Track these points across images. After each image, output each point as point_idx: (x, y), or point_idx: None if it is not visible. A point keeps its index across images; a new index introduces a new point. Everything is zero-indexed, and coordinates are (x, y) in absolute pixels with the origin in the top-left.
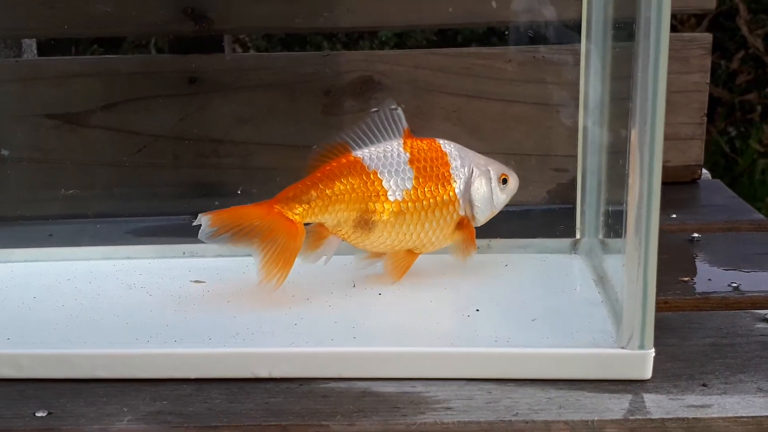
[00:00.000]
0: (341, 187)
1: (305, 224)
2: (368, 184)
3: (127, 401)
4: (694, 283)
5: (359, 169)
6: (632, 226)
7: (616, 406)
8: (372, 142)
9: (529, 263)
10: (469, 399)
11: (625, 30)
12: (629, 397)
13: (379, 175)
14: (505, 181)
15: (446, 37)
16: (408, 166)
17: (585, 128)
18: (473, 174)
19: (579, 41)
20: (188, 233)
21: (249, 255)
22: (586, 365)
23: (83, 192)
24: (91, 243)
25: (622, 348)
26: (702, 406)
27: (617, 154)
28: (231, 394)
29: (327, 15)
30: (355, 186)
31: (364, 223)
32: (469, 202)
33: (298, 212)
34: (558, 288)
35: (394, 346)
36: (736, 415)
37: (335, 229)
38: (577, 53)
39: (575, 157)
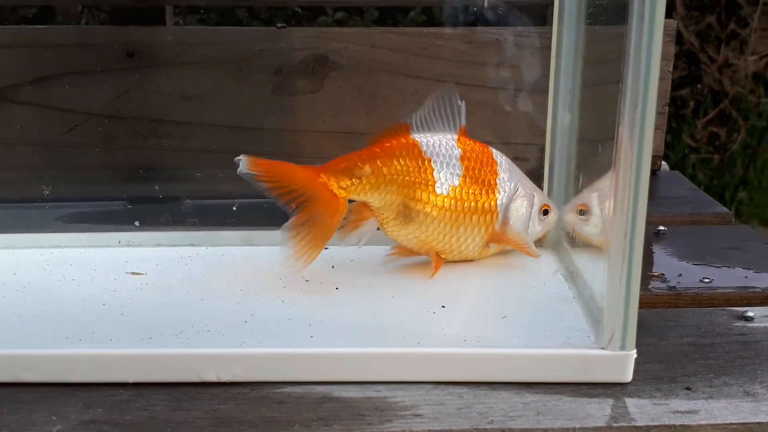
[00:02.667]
0: (397, 168)
1: (349, 201)
2: (421, 170)
3: (55, 408)
4: (665, 278)
5: (416, 153)
6: (618, 219)
7: (597, 412)
8: (428, 129)
9: (493, 257)
10: (440, 404)
11: (602, 12)
12: (610, 401)
13: (432, 164)
14: (545, 213)
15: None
16: (459, 162)
17: (554, 115)
18: (517, 192)
19: (545, 24)
20: (124, 220)
21: (191, 245)
22: (563, 367)
23: (6, 173)
24: (15, 230)
25: (602, 349)
26: (688, 412)
27: (589, 142)
28: (174, 401)
29: None
30: (410, 169)
31: (408, 210)
32: (506, 219)
33: (344, 186)
34: (525, 283)
35: (355, 346)
36: (725, 421)
37: (379, 211)
38: (541, 36)
39: (536, 145)
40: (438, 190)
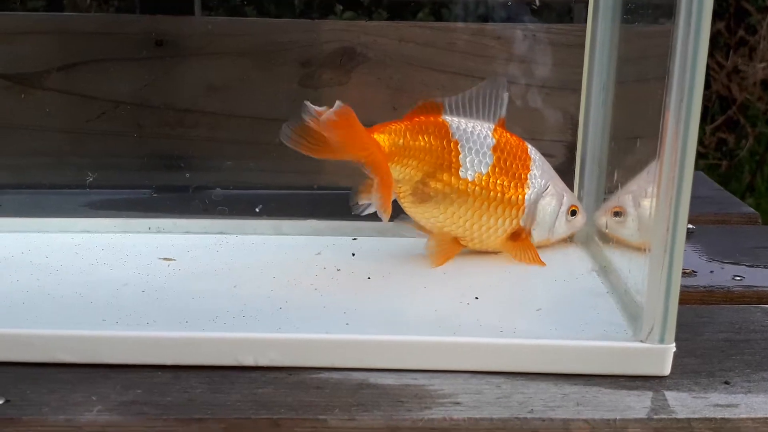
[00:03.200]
0: (419, 144)
1: None
2: (446, 151)
3: (95, 389)
4: (696, 275)
5: (444, 132)
6: (661, 212)
7: (637, 404)
8: (465, 114)
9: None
10: (478, 393)
11: (641, 9)
12: (650, 394)
13: (459, 147)
14: (573, 213)
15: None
16: (490, 152)
17: (587, 112)
18: (547, 190)
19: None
20: (152, 207)
21: (221, 233)
22: (601, 359)
23: (33, 159)
24: (45, 215)
25: (641, 342)
26: (728, 406)
27: (624, 139)
28: (213, 384)
29: None
30: (432, 146)
31: (426, 188)
32: (532, 216)
33: (388, 151)
34: (558, 277)
35: (391, 334)
36: (766, 415)
37: (396, 183)
38: (571, 33)
39: (564, 142)
40: (462, 174)
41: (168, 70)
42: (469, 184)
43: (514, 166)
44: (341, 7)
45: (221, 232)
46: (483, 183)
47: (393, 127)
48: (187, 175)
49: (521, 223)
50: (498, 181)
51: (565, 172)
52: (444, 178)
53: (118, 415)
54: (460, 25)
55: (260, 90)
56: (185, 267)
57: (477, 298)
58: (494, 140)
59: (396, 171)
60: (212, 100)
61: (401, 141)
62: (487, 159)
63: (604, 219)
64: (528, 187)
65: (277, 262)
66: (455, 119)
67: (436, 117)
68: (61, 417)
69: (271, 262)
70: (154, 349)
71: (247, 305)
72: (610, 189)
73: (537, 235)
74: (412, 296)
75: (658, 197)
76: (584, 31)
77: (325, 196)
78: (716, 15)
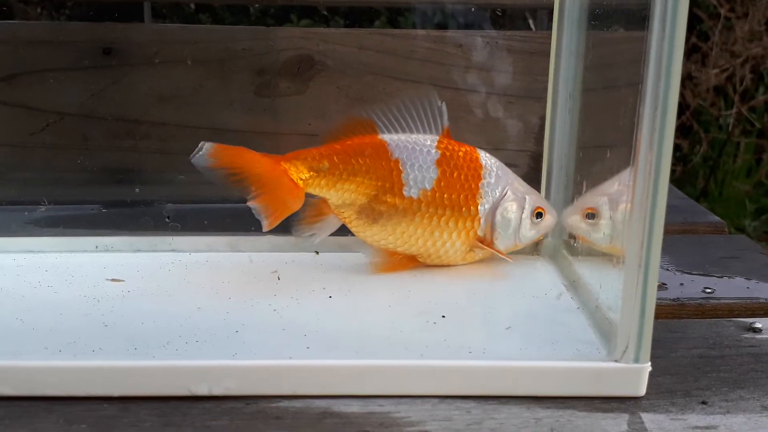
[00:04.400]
0: (356, 167)
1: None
2: (386, 171)
3: (35, 424)
4: (666, 287)
5: (382, 153)
6: (635, 227)
7: (613, 428)
8: (404, 130)
9: (490, 265)
10: (447, 420)
11: (609, 16)
12: (626, 416)
13: (400, 166)
14: (539, 216)
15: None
16: (434, 166)
17: (552, 120)
18: (505, 197)
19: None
20: (100, 224)
21: (173, 250)
22: (575, 380)
23: None
24: None
25: (616, 361)
26: (707, 428)
27: (593, 147)
28: (164, 416)
29: None
30: (371, 169)
31: (370, 211)
32: (491, 225)
33: (303, 177)
34: (526, 293)
35: (355, 358)
36: None
37: (338, 209)
38: (535, 40)
39: (527, 152)
40: (406, 193)
41: (116, 79)
42: (415, 202)
43: (462, 177)
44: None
45: (173, 250)
46: (429, 199)
47: (313, 151)
48: (137, 190)
49: (480, 234)
50: (446, 195)
51: (531, 182)
52: (388, 199)
53: None
54: (420, 32)
55: (214, 99)
56: (135, 288)
57: (444, 316)
58: (438, 153)
59: (335, 196)
60: (163, 111)
61: (326, 164)
62: (431, 174)
63: (575, 219)
64: (481, 197)
65: (233, 282)
66: (395, 137)
67: (372, 137)
68: None
69: (226, 282)
70: (100, 379)
71: (200, 329)
72: (578, 197)
73: (502, 243)
74: (377, 316)
75: (632, 210)
76: (548, 38)
77: None
78: None
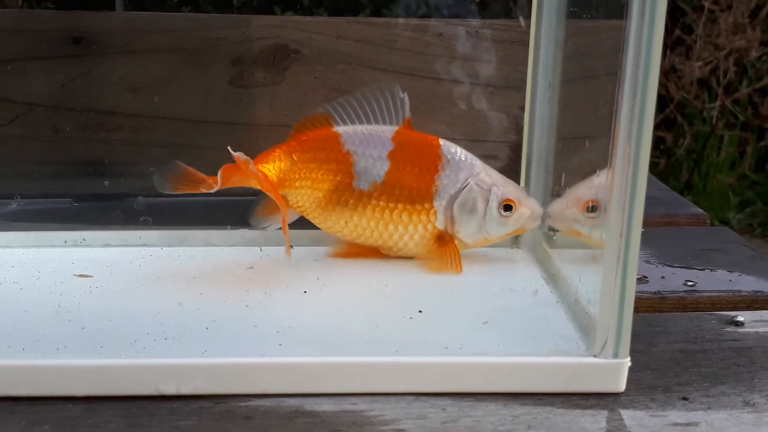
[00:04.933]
0: (312, 162)
1: None
2: (338, 164)
3: None
4: (647, 280)
5: (334, 145)
6: (614, 218)
7: (592, 425)
8: (363, 122)
9: (468, 258)
10: (422, 418)
11: (588, 4)
12: (605, 413)
13: (352, 158)
14: (508, 208)
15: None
16: (386, 158)
17: (532, 111)
18: (465, 189)
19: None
20: (70, 218)
21: (144, 245)
22: (553, 376)
23: None
24: None
25: (594, 357)
26: (688, 424)
27: (573, 138)
28: (130, 416)
29: None
30: (325, 163)
31: (325, 203)
32: (450, 218)
33: (275, 181)
34: (505, 286)
35: (328, 355)
36: None
37: (297, 203)
38: (514, 29)
39: (508, 143)
40: (356, 185)
41: (87, 69)
42: (365, 195)
43: (416, 169)
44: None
45: (144, 245)
46: (380, 192)
47: (276, 153)
48: (106, 183)
49: (440, 227)
50: (397, 189)
51: (511, 173)
52: (339, 191)
53: None
54: (399, 21)
55: (188, 90)
56: (103, 284)
57: (420, 311)
58: (393, 145)
59: (293, 195)
60: (136, 101)
61: (288, 164)
62: (383, 166)
63: (573, 212)
64: (436, 190)
65: (205, 277)
66: (349, 129)
67: (327, 130)
68: None
69: (198, 277)
70: (65, 378)
71: (169, 326)
72: (557, 191)
73: (467, 237)
74: (352, 311)
75: (611, 201)
76: (527, 27)
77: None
78: None
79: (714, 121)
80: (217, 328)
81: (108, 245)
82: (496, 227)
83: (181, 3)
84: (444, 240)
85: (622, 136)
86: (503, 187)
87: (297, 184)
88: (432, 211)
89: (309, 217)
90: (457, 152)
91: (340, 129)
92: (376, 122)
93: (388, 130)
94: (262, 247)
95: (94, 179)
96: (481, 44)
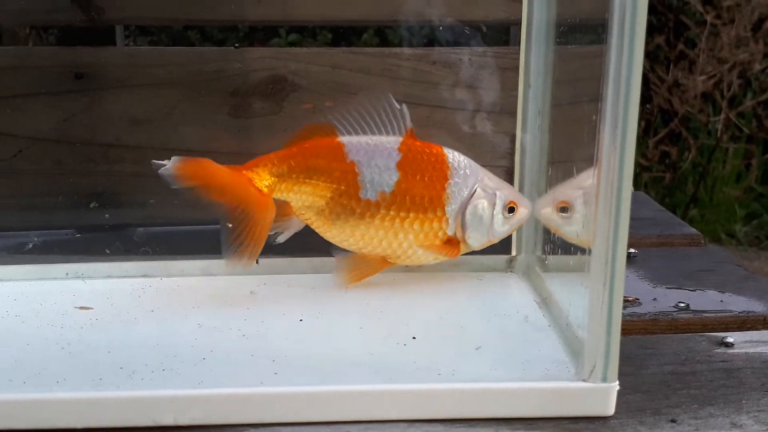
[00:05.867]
0: (313, 169)
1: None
2: (342, 173)
3: None
4: (640, 303)
5: (338, 155)
6: (599, 244)
7: None
8: (366, 133)
9: (463, 283)
10: None
11: (575, 31)
12: None
13: (356, 168)
14: (511, 210)
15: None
16: (395, 168)
17: (523, 136)
18: (474, 195)
19: (512, 43)
20: (72, 250)
21: (144, 276)
22: (543, 401)
23: None
24: None
25: (584, 381)
26: None
27: (562, 163)
28: None
29: (233, 6)
30: (326, 171)
31: (329, 213)
32: (462, 224)
33: (267, 184)
34: (498, 311)
35: (323, 383)
36: None
37: (299, 210)
38: (506, 56)
39: (503, 168)
40: (363, 195)
41: (89, 103)
42: (373, 205)
43: (427, 178)
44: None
45: (145, 275)
46: (389, 202)
47: (270, 157)
48: (107, 215)
49: (450, 233)
50: (408, 197)
51: None
52: (344, 201)
53: None
54: (395, 50)
55: (188, 122)
56: (103, 316)
57: (414, 337)
58: (400, 155)
59: (295, 199)
60: (136, 134)
61: (284, 169)
62: (392, 176)
63: (548, 211)
64: (447, 198)
65: (203, 307)
66: (354, 139)
67: (331, 139)
68: None
69: (197, 307)
70: (64, 411)
71: (167, 357)
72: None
73: (475, 241)
74: (347, 338)
75: (596, 230)
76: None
77: None
78: (656, 29)
79: (719, 134)
80: (214, 358)
81: (109, 276)
82: (500, 229)
83: (186, 29)
84: (451, 243)
85: (605, 164)
86: (505, 189)
87: (295, 188)
88: (444, 218)
89: (313, 226)
90: (460, 158)
91: (344, 139)
92: (378, 133)
93: (393, 141)
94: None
95: (96, 211)
96: (474, 71)
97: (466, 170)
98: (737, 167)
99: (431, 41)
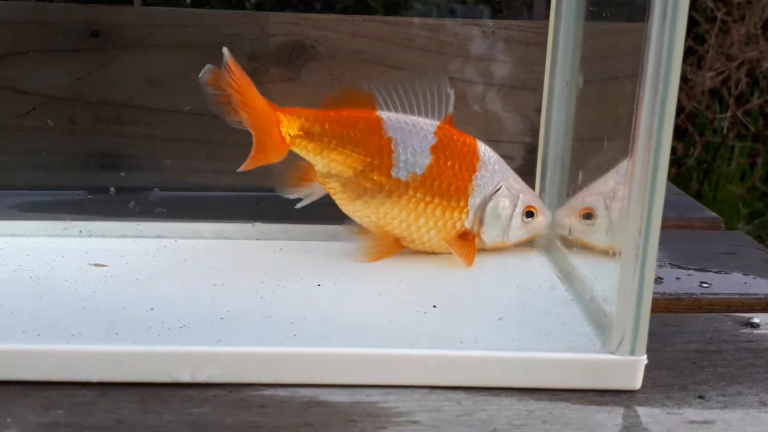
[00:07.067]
0: (347, 138)
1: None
2: (377, 148)
3: (11, 409)
4: (662, 281)
5: (375, 128)
6: (633, 216)
7: (608, 422)
8: (405, 111)
9: (482, 256)
10: (437, 411)
11: (608, 6)
12: (620, 410)
13: (392, 145)
14: (530, 215)
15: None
16: (428, 151)
17: (548, 111)
18: (498, 192)
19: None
20: (85, 210)
21: (159, 237)
22: (569, 372)
23: None
24: None
25: (611, 353)
26: (704, 422)
27: (590, 139)
28: (144, 403)
29: None
30: (361, 143)
31: (355, 186)
32: (480, 218)
33: (292, 134)
34: (519, 284)
35: (343, 346)
36: None
37: (324, 178)
38: (531, 30)
39: (521, 144)
40: (394, 174)
41: (104, 62)
42: (402, 185)
43: (456, 166)
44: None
45: (159, 236)
46: (419, 184)
47: (308, 112)
48: (122, 174)
49: (467, 226)
50: (436, 183)
51: (525, 174)
52: (374, 176)
53: None
54: (416, 20)
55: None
56: (118, 273)
57: (435, 306)
58: (436, 139)
59: (321, 164)
60: (152, 95)
61: (317, 129)
62: (425, 159)
63: (570, 220)
64: (473, 189)
65: (219, 269)
66: (393, 115)
67: (370, 112)
68: None
69: (212, 269)
70: (79, 364)
71: (184, 315)
72: (574, 190)
73: (489, 238)
74: (366, 305)
75: (630, 199)
76: (544, 28)
77: (272, 198)
78: None
79: (725, 131)
80: (231, 318)
81: (123, 236)
82: (516, 232)
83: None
84: (466, 237)
85: (642, 136)
86: (528, 194)
87: (324, 153)
88: (465, 209)
89: (335, 197)
90: (491, 154)
91: (383, 114)
92: (418, 113)
93: (429, 124)
94: (255, 223)
95: (109, 172)
96: (497, 44)
97: (495, 166)
98: (742, 165)
99: (453, 12)
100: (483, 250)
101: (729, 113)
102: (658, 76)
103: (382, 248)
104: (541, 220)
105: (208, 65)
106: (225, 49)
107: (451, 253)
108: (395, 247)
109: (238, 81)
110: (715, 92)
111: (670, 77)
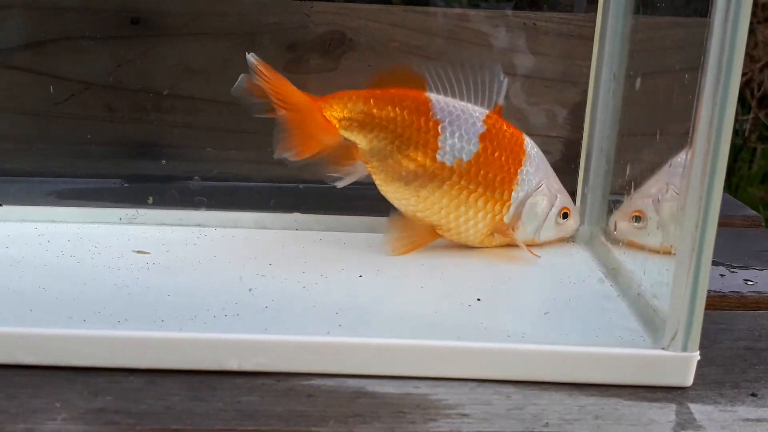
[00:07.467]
0: (392, 116)
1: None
2: (423, 130)
3: (59, 394)
4: None
5: (423, 109)
6: (690, 211)
7: (661, 418)
8: (455, 95)
9: (519, 250)
10: (487, 404)
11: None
12: (673, 406)
13: (439, 129)
14: (565, 216)
15: None
16: (476, 139)
17: (594, 105)
18: (539, 189)
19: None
20: (124, 197)
21: (199, 225)
22: (620, 368)
23: None
24: (7, 203)
25: (663, 349)
26: (759, 420)
27: (636, 134)
28: (192, 390)
29: None
30: (407, 123)
31: (397, 166)
32: (519, 214)
33: (338, 117)
34: (563, 279)
35: (389, 337)
36: None
37: (366, 156)
38: (573, 23)
39: (561, 138)
40: (439, 158)
41: (144, 50)
42: (447, 170)
43: (503, 158)
44: None
45: (199, 225)
46: (464, 171)
47: (350, 94)
48: (163, 162)
49: (505, 220)
50: (482, 172)
51: (562, 169)
52: (418, 158)
53: (84, 424)
54: (457, 11)
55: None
56: (160, 261)
57: (479, 299)
58: (484, 128)
59: (364, 141)
60: (191, 84)
61: (361, 106)
62: (472, 146)
63: (622, 224)
64: (517, 183)
65: (260, 258)
66: (442, 98)
67: (419, 92)
68: (20, 426)
69: (253, 258)
70: (126, 350)
71: (228, 304)
72: (621, 185)
73: (520, 235)
74: (408, 296)
75: (688, 192)
76: (587, 21)
77: (311, 189)
78: None
79: (747, 133)
80: (276, 307)
81: (162, 224)
82: (548, 232)
83: None
84: (501, 231)
85: (702, 128)
86: (565, 195)
87: (367, 130)
88: (508, 203)
89: (375, 177)
90: (536, 151)
91: (432, 95)
92: (467, 99)
93: (479, 111)
94: (294, 213)
95: (148, 160)
96: (538, 37)
97: (539, 162)
98: (764, 168)
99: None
100: (514, 245)
101: (751, 115)
102: (720, 68)
103: (414, 239)
104: (571, 223)
105: (242, 75)
106: (249, 55)
107: (483, 248)
108: (428, 236)
109: (271, 81)
110: (738, 94)
111: (732, 69)
